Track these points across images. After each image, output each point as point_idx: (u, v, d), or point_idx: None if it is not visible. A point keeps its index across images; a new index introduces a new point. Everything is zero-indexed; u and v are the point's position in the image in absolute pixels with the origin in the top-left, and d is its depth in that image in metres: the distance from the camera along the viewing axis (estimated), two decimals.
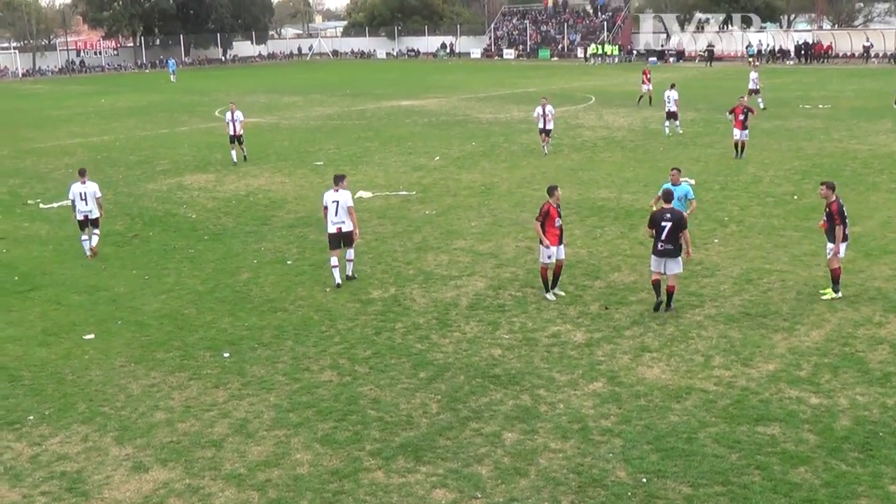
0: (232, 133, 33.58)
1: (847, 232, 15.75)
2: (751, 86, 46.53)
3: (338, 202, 17.30)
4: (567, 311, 15.88)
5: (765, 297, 16.25)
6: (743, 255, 18.99)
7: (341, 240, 17.47)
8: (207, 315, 16.42)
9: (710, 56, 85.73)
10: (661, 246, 15.21)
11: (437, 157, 33.47)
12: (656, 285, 15.45)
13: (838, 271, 15.80)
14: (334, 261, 17.59)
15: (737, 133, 31.25)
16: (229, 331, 15.49)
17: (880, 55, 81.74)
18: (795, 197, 24.81)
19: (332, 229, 17.39)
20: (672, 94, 37.92)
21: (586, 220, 22.23)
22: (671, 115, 38.14)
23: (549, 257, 16.11)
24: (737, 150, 31.08)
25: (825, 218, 15.63)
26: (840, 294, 15.90)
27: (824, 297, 15.79)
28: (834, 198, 15.63)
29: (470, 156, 33.85)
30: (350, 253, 17.83)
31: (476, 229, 22.12)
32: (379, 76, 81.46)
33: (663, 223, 15.17)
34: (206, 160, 34.19)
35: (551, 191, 16.23)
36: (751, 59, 77.35)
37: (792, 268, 18.17)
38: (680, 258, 15.23)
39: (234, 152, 33.69)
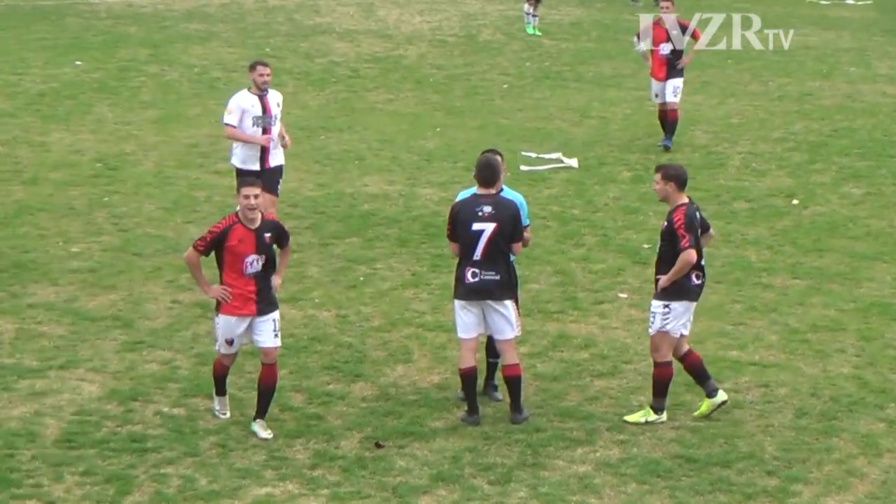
0: None
1: (702, 281, 9.64)
2: None
3: None
4: (289, 451, 9.44)
5: (728, 423, 10.08)
6: None
7: None
8: None
9: None
10: (475, 274, 9.57)
11: None
12: (469, 375, 9.56)
13: (698, 360, 9.73)
14: None
15: (656, 86, 16.53)
16: None
17: None
18: (795, 202, 15.68)
19: None
20: None
21: (334, 245, 13.16)
22: None
23: (231, 342, 9.51)
24: (664, 127, 16.98)
25: (660, 239, 10.00)
26: (660, 417, 9.80)
27: (628, 420, 9.66)
28: (684, 200, 9.77)
29: (71, 89, 20.17)
30: None
31: (81, 262, 13.00)
32: None
33: (476, 225, 9.48)
34: None
35: (240, 190, 9.47)
36: None
37: (786, 356, 11.01)
38: (513, 302, 9.62)
39: None
